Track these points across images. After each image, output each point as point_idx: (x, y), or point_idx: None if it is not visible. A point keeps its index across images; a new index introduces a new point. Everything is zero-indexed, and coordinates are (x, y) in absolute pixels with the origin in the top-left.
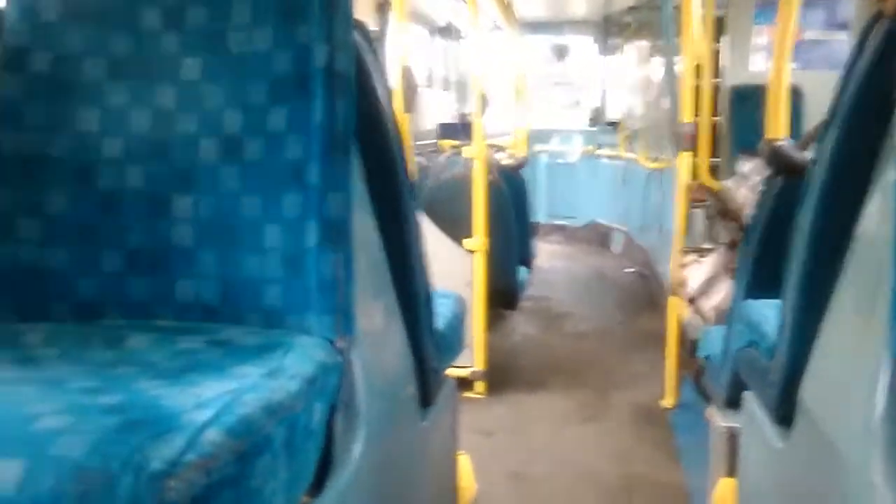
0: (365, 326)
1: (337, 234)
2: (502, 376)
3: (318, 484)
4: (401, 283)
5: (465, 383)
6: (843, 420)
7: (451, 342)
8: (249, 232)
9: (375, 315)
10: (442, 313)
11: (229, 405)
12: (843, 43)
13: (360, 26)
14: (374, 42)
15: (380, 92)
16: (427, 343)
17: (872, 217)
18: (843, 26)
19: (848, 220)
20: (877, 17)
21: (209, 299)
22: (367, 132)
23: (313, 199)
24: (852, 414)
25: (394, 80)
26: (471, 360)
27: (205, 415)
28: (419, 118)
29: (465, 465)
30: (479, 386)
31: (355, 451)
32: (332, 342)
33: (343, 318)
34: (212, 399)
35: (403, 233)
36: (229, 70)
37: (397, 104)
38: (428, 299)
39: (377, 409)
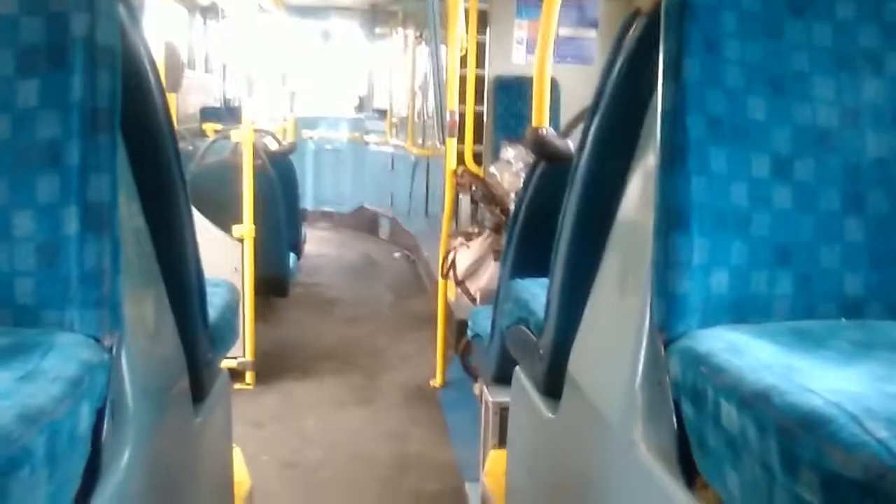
0: (133, 320)
1: (101, 221)
2: (272, 365)
3: (86, 493)
4: (171, 272)
5: (233, 374)
6: (607, 388)
7: (225, 333)
8: None
9: (144, 307)
10: (215, 303)
11: None
12: (592, 40)
13: None
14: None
15: (147, 68)
16: (200, 336)
17: (633, 198)
18: (592, 24)
19: (611, 200)
20: (635, 14)
21: None
22: (134, 110)
23: (73, 182)
24: (615, 382)
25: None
26: (240, 349)
27: None
28: (181, 101)
29: (238, 459)
30: (249, 376)
31: (125, 455)
32: (97, 339)
33: (110, 313)
34: None
35: (174, 218)
36: None
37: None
38: (201, 290)
39: (148, 409)
